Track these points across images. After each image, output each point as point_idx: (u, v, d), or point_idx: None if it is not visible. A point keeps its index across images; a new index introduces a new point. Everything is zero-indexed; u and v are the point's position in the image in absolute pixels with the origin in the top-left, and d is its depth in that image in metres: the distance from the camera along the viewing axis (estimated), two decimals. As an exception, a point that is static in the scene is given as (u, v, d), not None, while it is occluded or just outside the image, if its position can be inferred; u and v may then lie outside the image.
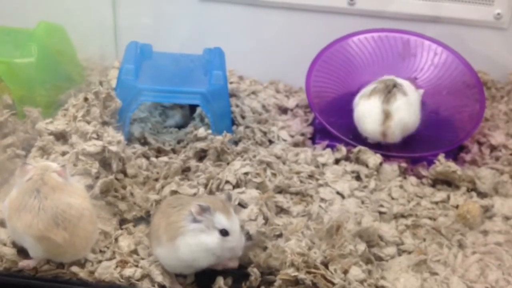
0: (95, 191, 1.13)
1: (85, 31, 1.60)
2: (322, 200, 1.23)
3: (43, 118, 1.31)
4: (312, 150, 1.39)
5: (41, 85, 1.40)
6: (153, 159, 1.32)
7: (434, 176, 1.32)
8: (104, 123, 1.29)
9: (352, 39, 1.57)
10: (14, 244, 1.03)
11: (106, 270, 1.01)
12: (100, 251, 1.06)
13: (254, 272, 1.03)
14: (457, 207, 1.25)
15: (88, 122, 1.27)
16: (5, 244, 1.04)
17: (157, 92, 1.35)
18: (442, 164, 1.31)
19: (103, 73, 1.63)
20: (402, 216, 1.22)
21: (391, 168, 1.34)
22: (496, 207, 1.24)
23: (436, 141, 1.43)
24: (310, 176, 1.29)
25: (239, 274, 1.04)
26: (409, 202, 1.26)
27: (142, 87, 1.34)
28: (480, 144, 1.48)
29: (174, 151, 1.37)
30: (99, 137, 1.22)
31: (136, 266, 1.03)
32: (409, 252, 1.12)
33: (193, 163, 1.29)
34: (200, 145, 1.30)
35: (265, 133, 1.46)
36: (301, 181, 1.27)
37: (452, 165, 1.31)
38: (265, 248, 1.08)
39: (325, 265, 1.02)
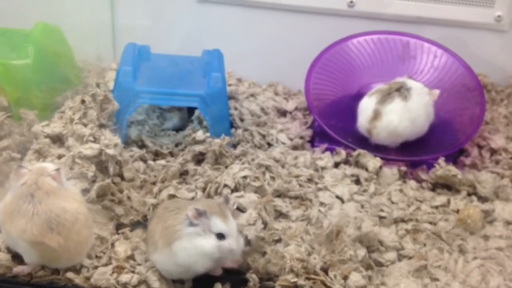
0: (91, 195, 1.12)
1: (82, 33, 1.59)
2: (322, 204, 1.22)
3: (39, 121, 1.30)
4: (311, 154, 1.38)
5: (37, 87, 1.39)
6: (151, 162, 1.31)
7: (434, 180, 1.32)
8: (101, 126, 1.28)
9: (351, 41, 1.56)
10: (9, 250, 1.02)
11: (102, 276, 1.00)
12: (96, 256, 1.05)
13: (252, 278, 1.01)
14: (457, 211, 1.24)
15: (85, 125, 1.25)
16: (-1, 250, 1.03)
17: (155, 94, 1.34)
18: (442, 168, 1.30)
19: (100, 75, 1.62)
20: (402, 220, 1.21)
21: (390, 172, 1.33)
22: (497, 211, 1.23)
23: (436, 144, 1.42)
24: (309, 180, 1.28)
25: (237, 280, 1.03)
26: (409, 206, 1.25)
27: (139, 89, 1.33)
28: (480, 147, 1.47)
29: (172, 154, 1.36)
30: (96, 140, 1.21)
31: (133, 272, 1.01)
32: (410, 258, 1.11)
33: (191, 166, 1.28)
34: (198, 148, 1.29)
35: (264, 136, 1.45)
36: (300, 185, 1.26)
37: (453, 169, 1.30)
38: (264, 254, 1.07)
39: (325, 270, 1.01)
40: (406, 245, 1.14)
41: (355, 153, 1.35)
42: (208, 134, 1.32)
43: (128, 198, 1.18)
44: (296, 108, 1.60)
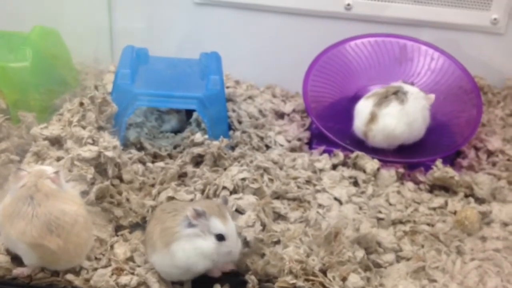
0: (90, 197, 1.12)
1: (80, 35, 1.59)
2: (320, 206, 1.22)
3: (38, 123, 1.30)
4: (309, 156, 1.39)
5: (35, 90, 1.39)
6: (149, 164, 1.31)
7: (431, 181, 1.32)
8: (100, 128, 1.28)
9: (349, 43, 1.57)
10: (8, 252, 1.02)
11: (102, 277, 1.00)
12: (96, 258, 1.05)
13: (251, 279, 1.02)
14: (455, 213, 1.24)
15: (84, 127, 1.26)
16: (-2, 252, 1.03)
17: (153, 96, 1.34)
18: (440, 170, 1.31)
19: (98, 78, 1.62)
20: (400, 222, 1.21)
21: (388, 174, 1.33)
22: (494, 213, 1.24)
23: (433, 146, 1.43)
24: (308, 182, 1.29)
25: (236, 281, 1.03)
26: (406, 208, 1.26)
27: (138, 92, 1.33)
28: (477, 149, 1.48)
29: (170, 156, 1.37)
30: (94, 142, 1.21)
31: (132, 273, 1.02)
32: (408, 259, 1.11)
33: (189, 168, 1.28)
34: (197, 150, 1.29)
35: (262, 138, 1.46)
36: (298, 187, 1.26)
37: (450, 171, 1.30)
38: (262, 255, 1.07)
39: (324, 272, 1.01)
40: (404, 247, 1.14)
41: (353, 155, 1.36)
42: (206, 136, 1.32)
43: (127, 200, 1.18)
44: (294, 110, 1.60)
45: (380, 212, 1.22)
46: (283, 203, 1.22)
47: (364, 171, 1.33)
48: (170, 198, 1.17)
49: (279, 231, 1.13)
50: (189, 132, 1.42)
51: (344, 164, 1.37)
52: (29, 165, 1.18)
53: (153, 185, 1.25)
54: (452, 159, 1.43)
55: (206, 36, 1.69)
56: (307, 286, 0.97)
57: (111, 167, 1.18)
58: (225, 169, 1.27)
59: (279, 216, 1.19)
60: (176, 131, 1.47)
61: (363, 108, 1.39)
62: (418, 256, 1.11)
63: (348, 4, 1.63)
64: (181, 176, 1.28)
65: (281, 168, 1.32)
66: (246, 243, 1.06)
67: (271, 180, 1.25)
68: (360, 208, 1.23)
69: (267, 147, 1.44)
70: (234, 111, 1.52)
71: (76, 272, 1.01)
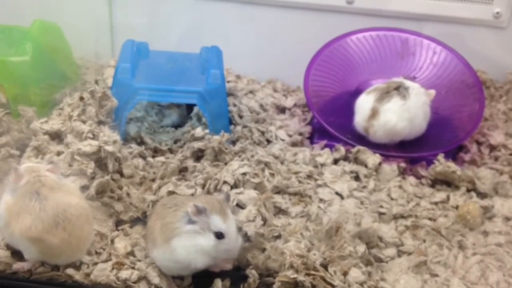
0: (90, 191, 1.12)
1: (81, 30, 1.59)
2: (321, 200, 1.22)
3: (38, 118, 1.29)
4: (310, 150, 1.38)
5: (35, 84, 1.39)
6: (150, 159, 1.31)
7: (433, 176, 1.31)
8: (100, 123, 1.28)
9: (350, 37, 1.56)
10: (8, 247, 1.02)
11: (102, 272, 1.00)
12: (96, 252, 1.05)
13: (252, 274, 1.01)
14: (456, 207, 1.24)
15: (84, 122, 1.25)
16: (-2, 246, 1.02)
17: (153, 91, 1.34)
18: (442, 164, 1.30)
19: (98, 72, 1.62)
20: (402, 216, 1.21)
21: (390, 168, 1.33)
22: (496, 207, 1.23)
23: (435, 141, 1.42)
24: (309, 176, 1.28)
25: (237, 276, 1.03)
26: (408, 202, 1.25)
27: (138, 86, 1.32)
28: (479, 144, 1.47)
29: (171, 151, 1.36)
30: (94, 137, 1.20)
31: (133, 268, 1.01)
32: (409, 253, 1.11)
33: (190, 163, 1.28)
34: (198, 145, 1.29)
35: (263, 133, 1.45)
36: (299, 182, 1.26)
37: (452, 165, 1.30)
38: (263, 250, 1.06)
39: (325, 266, 1.01)
40: (405, 241, 1.13)
41: (354, 150, 1.35)
42: (207, 131, 1.32)
43: (128, 194, 1.18)
44: (295, 105, 1.60)
45: (381, 206, 1.21)
46: (284, 198, 1.22)
47: (366, 166, 1.33)
48: (171, 193, 1.17)
49: (280, 226, 1.13)
50: (189, 126, 1.41)
51: (345, 158, 1.36)
52: (29, 160, 1.18)
53: (153, 180, 1.24)
54: (454, 154, 1.42)
55: (207, 30, 1.68)
56: (308, 280, 0.97)
57: (111, 162, 1.18)
58: (226, 163, 1.26)
59: (280, 211, 1.19)
60: (177, 126, 1.47)
61: (364, 104, 1.39)
62: (419, 251, 1.10)
63: (350, -2, 1.62)
64: (182, 171, 1.27)
65: (282, 163, 1.32)
66: (247, 237, 1.06)
67: (272, 174, 1.25)
68: (362, 203, 1.22)
69: (268, 141, 1.44)
70: (235, 105, 1.51)
71: (77, 266, 1.01)
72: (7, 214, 0.97)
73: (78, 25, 1.58)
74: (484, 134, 1.48)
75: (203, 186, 1.19)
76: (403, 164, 1.34)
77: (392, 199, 1.26)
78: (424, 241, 1.15)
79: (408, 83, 1.39)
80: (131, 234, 1.10)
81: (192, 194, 1.17)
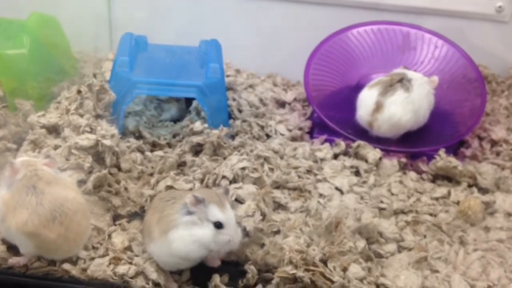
0: (88, 186, 1.11)
1: (79, 23, 1.58)
2: (321, 195, 1.21)
3: (35, 111, 1.28)
4: (310, 145, 1.37)
5: (33, 77, 1.38)
6: (148, 153, 1.30)
7: (434, 171, 1.30)
8: (98, 116, 1.27)
9: (351, 31, 1.55)
10: (4, 241, 1.01)
11: (99, 267, 0.99)
12: (93, 247, 1.04)
13: (251, 269, 1.00)
14: (457, 203, 1.23)
15: (81, 115, 1.24)
16: (-6, 241, 1.01)
17: (152, 84, 1.32)
18: (443, 159, 1.29)
19: (97, 65, 1.61)
20: (402, 212, 1.20)
21: (390, 163, 1.32)
22: (497, 203, 1.22)
23: (437, 135, 1.41)
24: (308, 171, 1.27)
25: (235, 271, 1.02)
26: (409, 198, 1.24)
27: (136, 80, 1.31)
28: (480, 139, 1.46)
29: (169, 145, 1.35)
30: (92, 131, 1.19)
31: (130, 263, 1.00)
32: (410, 249, 1.10)
33: (189, 157, 1.27)
34: (196, 139, 1.28)
35: (262, 127, 1.44)
36: (299, 176, 1.25)
37: (453, 160, 1.29)
38: (262, 245, 1.06)
39: (324, 262, 1.00)
40: (406, 237, 1.13)
41: (354, 145, 1.34)
42: (206, 125, 1.31)
43: (125, 189, 1.17)
44: (295, 99, 1.59)
45: (381, 202, 1.21)
46: (284, 193, 1.21)
47: (366, 161, 1.32)
48: (169, 187, 1.16)
49: (279, 221, 1.12)
50: (188, 120, 1.40)
51: (345, 153, 1.35)
52: (26, 154, 1.17)
53: (151, 174, 1.23)
54: (455, 149, 1.41)
55: (206, 24, 1.67)
56: (307, 276, 0.96)
57: (109, 156, 1.17)
58: (224, 158, 1.25)
59: (279, 206, 1.18)
60: (176, 120, 1.46)
61: (367, 98, 1.37)
62: (420, 247, 1.10)
63: (351, -9, 1.61)
64: (180, 165, 1.26)
65: (281, 158, 1.31)
66: (245, 233, 1.05)
67: (271, 169, 1.24)
68: (362, 198, 1.21)
69: (268, 136, 1.43)
70: (234, 100, 1.50)
71: (73, 261, 1.00)
72: (4, 208, 0.97)
73: (76, 18, 1.56)
74: (486, 129, 1.47)
75: (202, 180, 1.18)
76: (403, 159, 1.33)
77: (392, 194, 1.25)
78: (425, 236, 1.14)
79: (410, 73, 1.38)
80: (128, 229, 1.09)
81: (191, 189, 1.16)
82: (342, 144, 1.36)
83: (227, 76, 1.59)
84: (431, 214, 1.20)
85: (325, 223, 1.07)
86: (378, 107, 1.35)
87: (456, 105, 1.47)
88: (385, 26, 1.55)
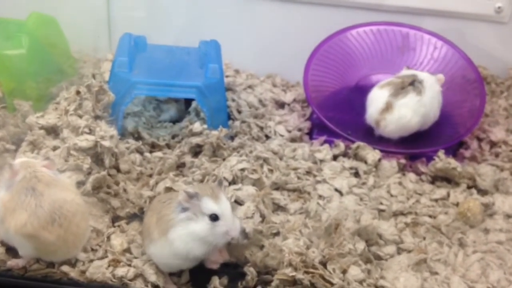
0: (86, 187, 1.10)
1: (78, 23, 1.57)
2: (320, 197, 1.21)
3: (34, 112, 1.28)
4: (309, 146, 1.37)
5: (32, 78, 1.37)
6: (147, 154, 1.29)
7: (433, 172, 1.30)
8: (97, 117, 1.26)
9: (350, 32, 1.55)
10: (3, 243, 1.01)
11: (98, 269, 0.99)
12: (92, 249, 1.04)
13: (250, 271, 1.00)
14: (457, 204, 1.23)
15: (80, 116, 1.24)
16: (-7, 243, 1.01)
17: (151, 85, 1.32)
18: (442, 161, 1.29)
19: (96, 66, 1.60)
20: (402, 213, 1.20)
21: (390, 165, 1.32)
22: (497, 204, 1.22)
23: (436, 137, 1.41)
24: (308, 173, 1.27)
25: (235, 273, 1.02)
26: (408, 199, 1.24)
27: (136, 80, 1.31)
28: (479, 140, 1.46)
29: (168, 146, 1.35)
30: (91, 132, 1.19)
31: (129, 265, 1.00)
32: (409, 251, 1.10)
33: (188, 158, 1.26)
34: (196, 140, 1.28)
35: (261, 128, 1.44)
36: (298, 178, 1.25)
37: (452, 162, 1.28)
38: (262, 247, 1.05)
39: (324, 264, 1.00)
40: (405, 239, 1.12)
41: (354, 146, 1.34)
42: (205, 126, 1.31)
43: (124, 190, 1.17)
44: (294, 100, 1.58)
45: (381, 203, 1.20)
46: (283, 194, 1.21)
47: (365, 162, 1.31)
48: (168, 189, 1.16)
49: (279, 223, 1.12)
50: (187, 121, 1.40)
51: (345, 154, 1.35)
52: (25, 154, 1.17)
53: (150, 176, 1.23)
54: (454, 150, 1.41)
55: (206, 24, 1.66)
56: (307, 278, 0.96)
57: (108, 157, 1.17)
58: (224, 159, 1.25)
59: (278, 208, 1.18)
60: (175, 121, 1.46)
61: (377, 97, 1.37)
62: (419, 248, 1.09)
63: (350, -8, 1.60)
64: (180, 167, 1.26)
65: (281, 159, 1.30)
66: (245, 234, 1.05)
67: (270, 170, 1.24)
68: (361, 200, 1.21)
69: (267, 137, 1.43)
70: (233, 100, 1.50)
71: (72, 263, 1.00)
72: (2, 210, 0.96)
73: (75, 18, 1.56)
74: (485, 130, 1.47)
75: (201, 182, 1.18)
76: (403, 161, 1.33)
77: (391, 195, 1.24)
78: (424, 238, 1.14)
79: (420, 75, 1.37)
80: (127, 230, 1.09)
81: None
82: (342, 145, 1.35)
83: (227, 76, 1.59)
84: (430, 216, 1.19)
85: (324, 224, 1.07)
86: (388, 107, 1.35)
87: (455, 106, 1.47)
88: (385, 27, 1.55)
